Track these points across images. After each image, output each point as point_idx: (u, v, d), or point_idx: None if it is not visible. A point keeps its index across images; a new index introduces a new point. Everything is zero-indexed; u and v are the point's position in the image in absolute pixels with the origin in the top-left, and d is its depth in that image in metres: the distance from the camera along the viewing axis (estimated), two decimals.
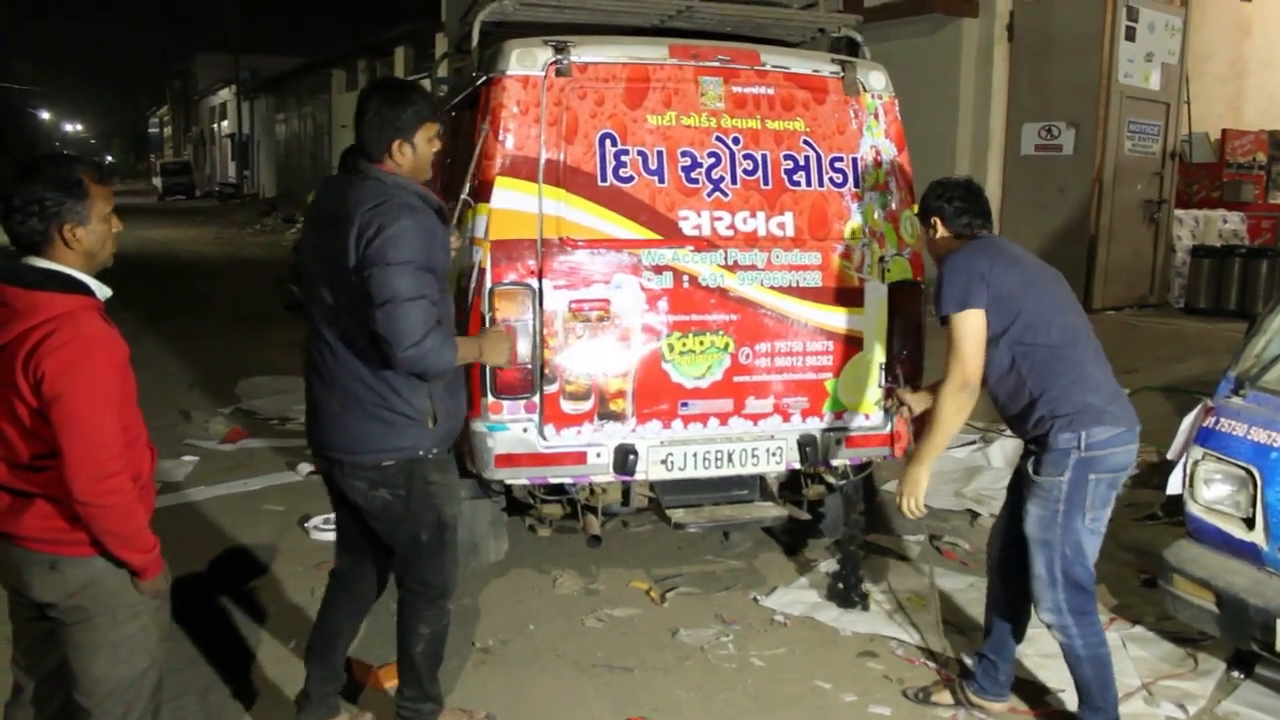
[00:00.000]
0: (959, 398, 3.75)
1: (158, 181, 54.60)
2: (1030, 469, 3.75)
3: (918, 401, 4.28)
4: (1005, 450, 6.93)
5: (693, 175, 4.59)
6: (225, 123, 56.67)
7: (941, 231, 3.96)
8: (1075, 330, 3.81)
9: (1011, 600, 4.00)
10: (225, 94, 54.75)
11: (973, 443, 7.19)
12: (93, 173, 2.78)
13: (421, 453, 3.47)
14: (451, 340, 3.37)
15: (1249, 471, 4.04)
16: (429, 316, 3.26)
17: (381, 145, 3.40)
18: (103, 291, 2.78)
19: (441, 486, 3.56)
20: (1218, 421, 4.21)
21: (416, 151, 3.42)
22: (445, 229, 3.51)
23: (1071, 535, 3.70)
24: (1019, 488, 3.87)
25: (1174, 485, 4.44)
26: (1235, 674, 4.35)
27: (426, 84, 10.92)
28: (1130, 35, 12.63)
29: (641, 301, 4.52)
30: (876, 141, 4.85)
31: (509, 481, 4.63)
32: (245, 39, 50.69)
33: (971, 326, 3.74)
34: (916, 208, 4.25)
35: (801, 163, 4.73)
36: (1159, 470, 6.45)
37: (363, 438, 3.44)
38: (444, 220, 3.52)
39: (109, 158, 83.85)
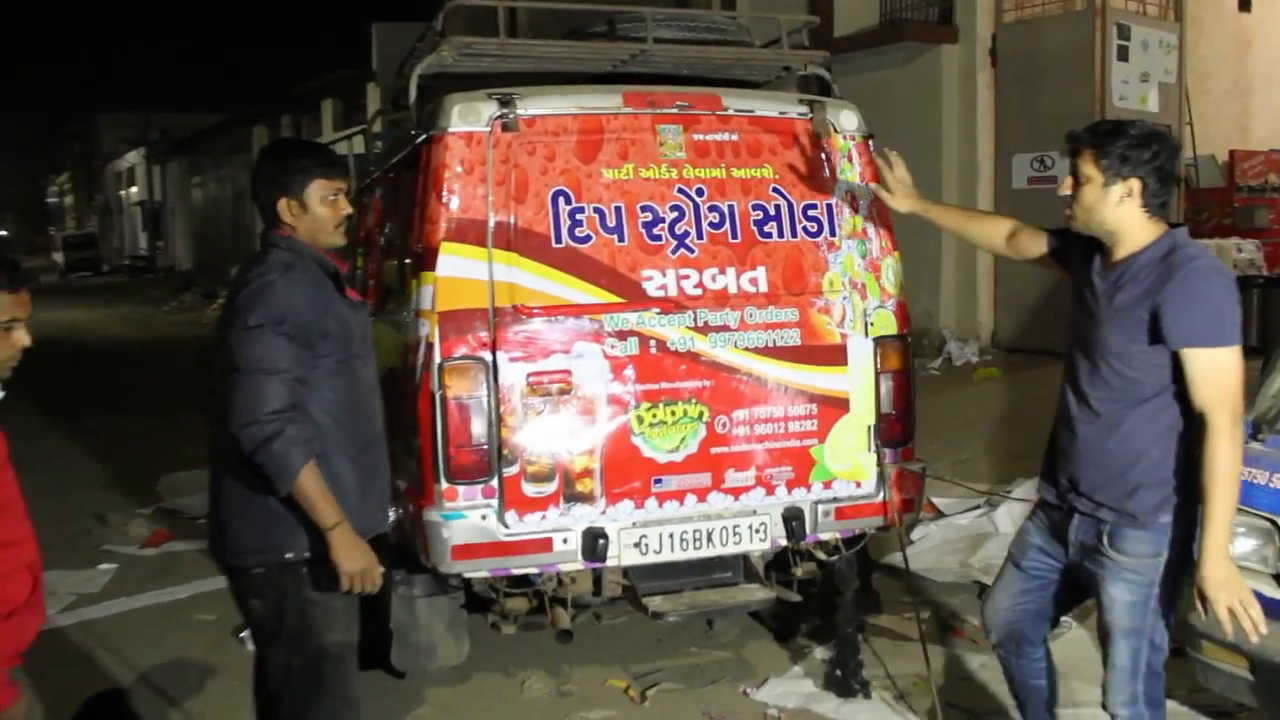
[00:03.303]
0: (1237, 435, 3.33)
1: (59, 257, 54.48)
2: (1109, 545, 3.52)
3: (901, 193, 4.34)
4: (1014, 515, 7.01)
5: (655, 232, 4.72)
6: (134, 189, 56.70)
7: (1135, 201, 3.44)
8: None
9: (1034, 675, 3.97)
10: (133, 157, 54.84)
11: (977, 507, 7.29)
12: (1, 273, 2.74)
13: (290, 556, 3.35)
14: (310, 445, 3.24)
15: (1274, 523, 4.12)
16: (283, 395, 3.20)
17: (270, 206, 3.51)
18: None
19: (321, 608, 3.41)
20: None
21: (309, 211, 3.51)
22: (343, 299, 3.53)
23: (1163, 622, 3.56)
24: (1077, 566, 3.67)
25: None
26: None
27: (359, 140, 11.06)
28: (1123, 55, 12.95)
29: (606, 371, 4.62)
30: (852, 185, 5.00)
31: (468, 575, 4.67)
32: (154, 96, 50.83)
33: (1239, 364, 3.36)
34: (1092, 158, 3.45)
35: (772, 212, 4.87)
36: None
37: (227, 536, 3.41)
38: (340, 289, 3.55)
39: (3, 232, 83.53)
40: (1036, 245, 3.96)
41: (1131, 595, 3.52)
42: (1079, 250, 3.67)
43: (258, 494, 3.32)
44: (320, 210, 3.52)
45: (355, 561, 3.35)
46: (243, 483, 3.34)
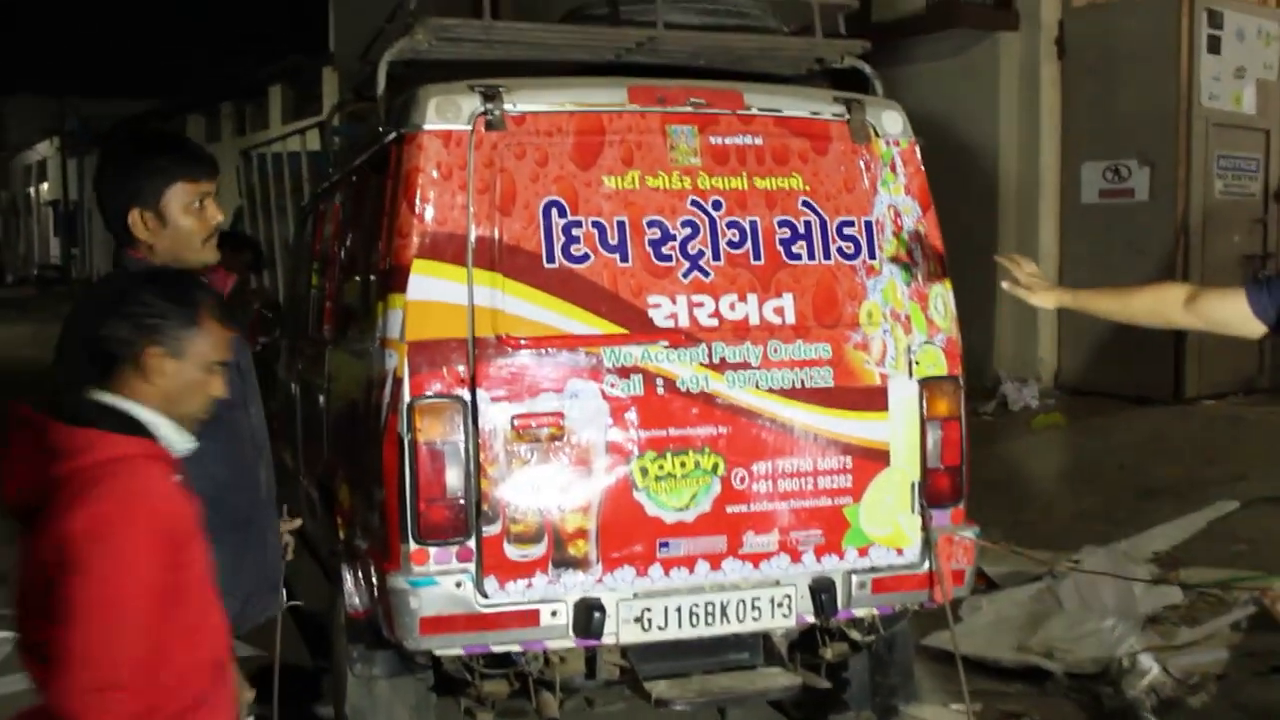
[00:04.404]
0: None
1: None
2: None
3: (1040, 288, 4.21)
4: (1081, 589, 7.02)
5: (664, 251, 4.74)
6: (45, 186, 56.84)
7: None
8: None
9: None
10: (45, 149, 55.00)
11: (1038, 579, 7.29)
12: (217, 309, 2.89)
13: None
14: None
15: None
16: None
17: (118, 220, 3.39)
18: (180, 443, 2.82)
19: None
20: None
21: (168, 224, 3.38)
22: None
23: None
24: None
25: None
26: None
27: (314, 136, 11.12)
28: (1214, 46, 13.00)
29: (604, 414, 4.63)
30: (895, 199, 5.03)
31: (439, 652, 4.67)
32: (72, 77, 50.97)
33: None
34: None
35: (801, 230, 4.90)
36: None
37: None
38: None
39: None
40: (1231, 308, 3.85)
41: None
42: None
43: None
44: (183, 221, 3.40)
45: None
46: None
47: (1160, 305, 4.04)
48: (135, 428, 2.74)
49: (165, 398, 2.80)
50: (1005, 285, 4.32)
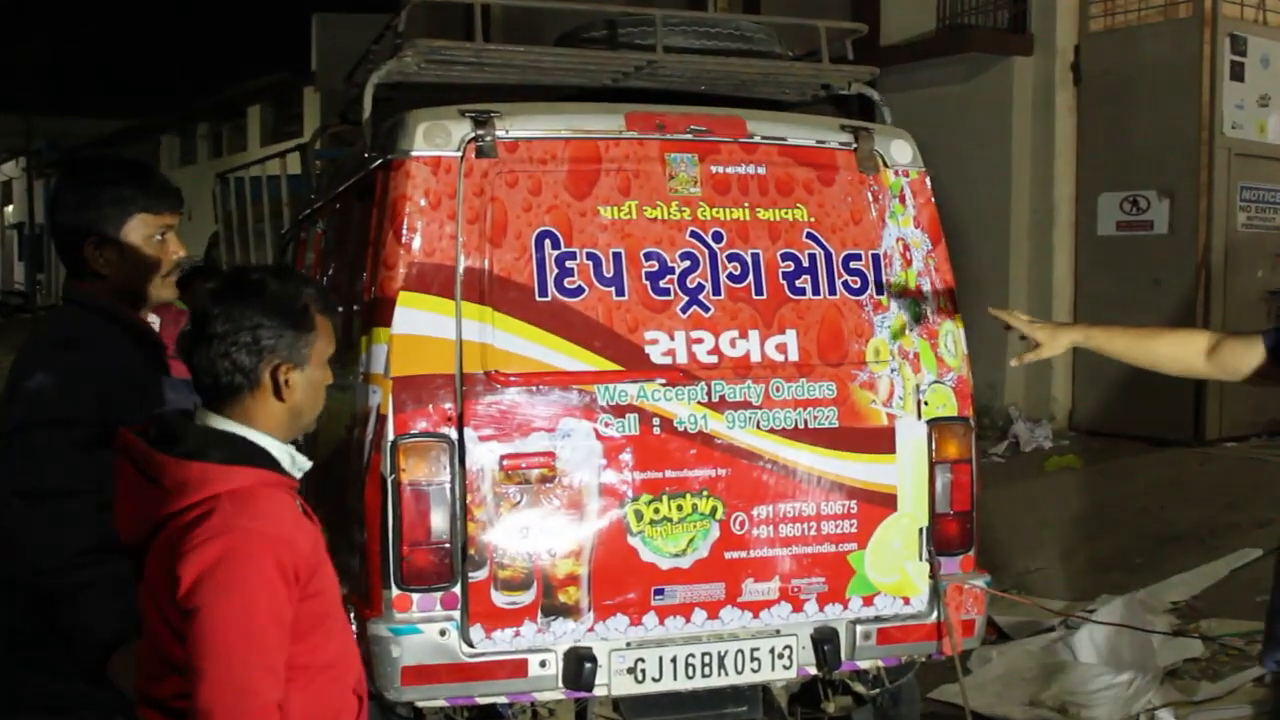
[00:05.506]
0: None
1: None
2: None
3: (1044, 337, 4.02)
4: (1096, 640, 7.03)
5: (662, 284, 4.76)
6: (10, 208, 56.88)
7: None
8: None
9: None
10: (10, 169, 55.05)
11: (1051, 629, 7.29)
12: (320, 300, 2.82)
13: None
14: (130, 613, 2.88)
15: None
16: (90, 525, 2.98)
17: (72, 250, 3.31)
18: (299, 464, 2.78)
19: None
20: None
21: (127, 256, 3.30)
22: (166, 378, 3.36)
23: None
24: None
25: None
26: None
27: (294, 159, 11.14)
28: (1237, 73, 13.05)
29: (598, 455, 4.64)
30: (903, 232, 5.05)
31: (421, 704, 4.66)
32: (40, 95, 50.97)
33: None
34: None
35: (805, 263, 4.92)
36: None
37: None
38: (163, 365, 3.39)
39: None
40: (1253, 355, 3.77)
41: None
42: None
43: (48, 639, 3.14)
44: (143, 255, 3.33)
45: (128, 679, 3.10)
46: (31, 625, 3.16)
47: (1183, 353, 3.94)
48: (251, 454, 2.67)
49: (294, 410, 2.76)
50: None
